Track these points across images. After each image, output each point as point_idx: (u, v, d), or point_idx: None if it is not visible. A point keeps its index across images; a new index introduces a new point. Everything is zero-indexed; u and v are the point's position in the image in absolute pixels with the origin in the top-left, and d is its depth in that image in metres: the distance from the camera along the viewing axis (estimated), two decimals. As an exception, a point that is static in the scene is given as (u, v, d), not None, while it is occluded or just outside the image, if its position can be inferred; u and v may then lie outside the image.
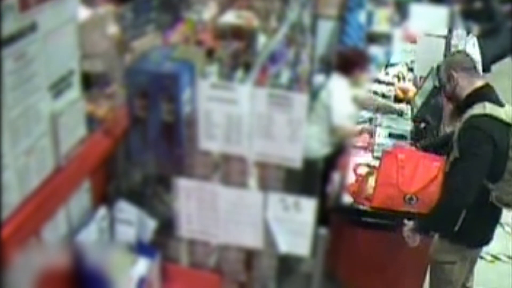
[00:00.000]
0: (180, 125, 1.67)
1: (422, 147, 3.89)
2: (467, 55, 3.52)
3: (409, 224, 3.34)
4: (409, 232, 3.33)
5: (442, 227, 3.32)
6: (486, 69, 5.23)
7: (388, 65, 5.23)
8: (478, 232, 3.33)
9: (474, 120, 3.11)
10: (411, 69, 5.18)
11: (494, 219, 3.38)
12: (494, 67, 5.66)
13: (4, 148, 1.17)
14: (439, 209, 3.20)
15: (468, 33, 5.07)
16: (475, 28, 5.56)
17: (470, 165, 3.09)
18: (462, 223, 3.23)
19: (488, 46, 5.33)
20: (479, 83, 3.25)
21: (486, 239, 3.43)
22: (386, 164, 3.50)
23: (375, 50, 4.69)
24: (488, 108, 3.11)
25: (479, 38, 5.27)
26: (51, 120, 1.34)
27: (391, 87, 4.97)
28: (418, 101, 4.42)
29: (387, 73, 5.15)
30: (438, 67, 3.55)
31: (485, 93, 3.22)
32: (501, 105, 3.19)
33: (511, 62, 6.26)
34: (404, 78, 5.09)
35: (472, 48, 4.99)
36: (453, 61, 3.38)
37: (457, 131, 3.20)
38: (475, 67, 3.39)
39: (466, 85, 3.24)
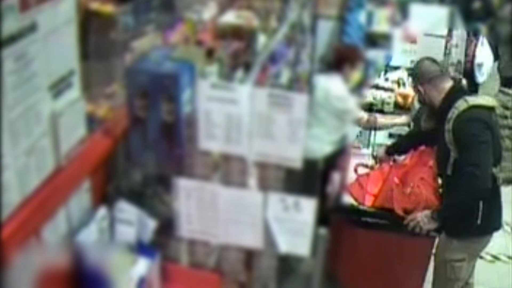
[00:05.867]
0: (180, 125, 1.67)
1: (386, 152, 3.96)
2: (431, 61, 3.53)
3: (425, 212, 3.37)
4: (425, 218, 3.34)
5: (463, 215, 3.34)
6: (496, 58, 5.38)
7: (387, 67, 5.21)
8: (489, 220, 3.36)
9: (464, 114, 3.21)
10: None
11: (498, 206, 3.44)
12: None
13: (4, 148, 1.17)
14: (461, 197, 3.26)
15: (475, 33, 5.09)
16: (483, 28, 5.57)
17: (482, 153, 3.18)
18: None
19: None
20: (447, 85, 3.39)
21: (494, 226, 3.46)
22: (389, 175, 3.57)
23: (375, 54, 4.68)
24: (470, 100, 3.25)
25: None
26: (51, 120, 1.34)
27: (390, 93, 4.95)
28: (417, 103, 4.42)
29: (386, 79, 5.13)
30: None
31: (458, 91, 3.40)
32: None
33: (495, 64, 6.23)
34: (404, 84, 5.07)
35: (482, 47, 5.00)
36: (417, 75, 3.50)
37: (450, 130, 3.24)
38: (441, 72, 3.50)
39: (436, 94, 3.38)
